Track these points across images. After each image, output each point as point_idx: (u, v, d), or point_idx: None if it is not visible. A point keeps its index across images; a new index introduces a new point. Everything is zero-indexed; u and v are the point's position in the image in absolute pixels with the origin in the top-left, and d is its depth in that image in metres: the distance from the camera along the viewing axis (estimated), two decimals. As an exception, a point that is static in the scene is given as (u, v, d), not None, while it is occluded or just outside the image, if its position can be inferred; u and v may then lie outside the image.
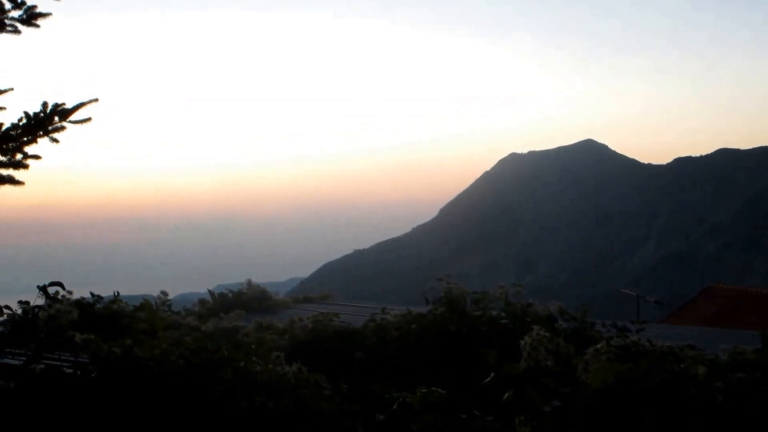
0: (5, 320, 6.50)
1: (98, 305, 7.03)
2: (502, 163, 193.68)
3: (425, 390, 4.48)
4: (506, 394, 4.45)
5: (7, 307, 6.60)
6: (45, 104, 4.94)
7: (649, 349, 4.90)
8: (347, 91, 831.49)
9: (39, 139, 5.01)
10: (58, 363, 5.71)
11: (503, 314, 6.47)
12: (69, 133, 5.07)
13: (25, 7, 5.09)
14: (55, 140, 5.01)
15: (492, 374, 4.83)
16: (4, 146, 4.89)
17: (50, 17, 5.13)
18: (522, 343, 4.96)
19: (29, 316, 6.42)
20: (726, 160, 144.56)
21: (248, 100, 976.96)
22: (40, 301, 6.66)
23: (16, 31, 5.14)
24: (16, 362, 5.78)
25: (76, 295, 6.79)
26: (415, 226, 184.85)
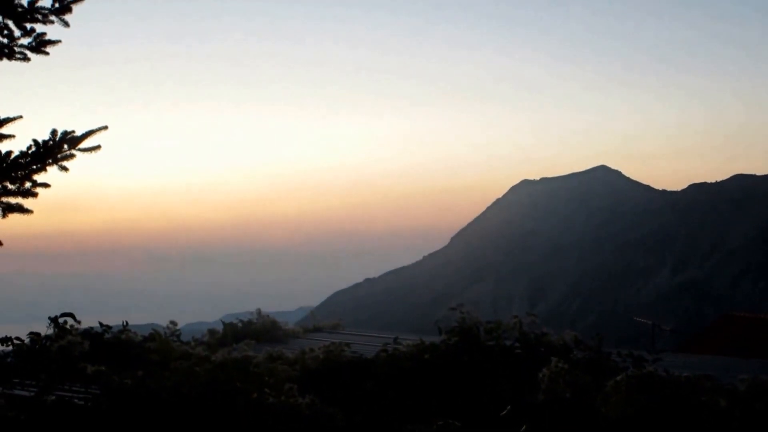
0: (14, 351, 6.47)
1: (107, 335, 7.01)
2: (514, 190, 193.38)
3: (441, 422, 4.40)
4: (523, 426, 4.37)
5: (17, 338, 6.57)
6: (54, 132, 4.92)
7: (666, 380, 4.80)
8: (356, 117, 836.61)
9: (48, 167, 4.98)
10: (69, 394, 5.66)
11: (517, 344, 6.38)
12: (78, 161, 5.05)
13: (34, 34, 5.09)
14: (65, 168, 4.99)
15: (508, 406, 4.75)
16: (13, 174, 4.87)
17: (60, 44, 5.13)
18: (540, 375, 4.88)
19: (38, 347, 6.39)
20: (741, 185, 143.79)
21: (257, 129, 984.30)
22: (50, 331, 6.64)
23: (26, 58, 5.14)
24: (26, 393, 5.73)
25: (84, 324, 6.78)
26: (426, 254, 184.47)
